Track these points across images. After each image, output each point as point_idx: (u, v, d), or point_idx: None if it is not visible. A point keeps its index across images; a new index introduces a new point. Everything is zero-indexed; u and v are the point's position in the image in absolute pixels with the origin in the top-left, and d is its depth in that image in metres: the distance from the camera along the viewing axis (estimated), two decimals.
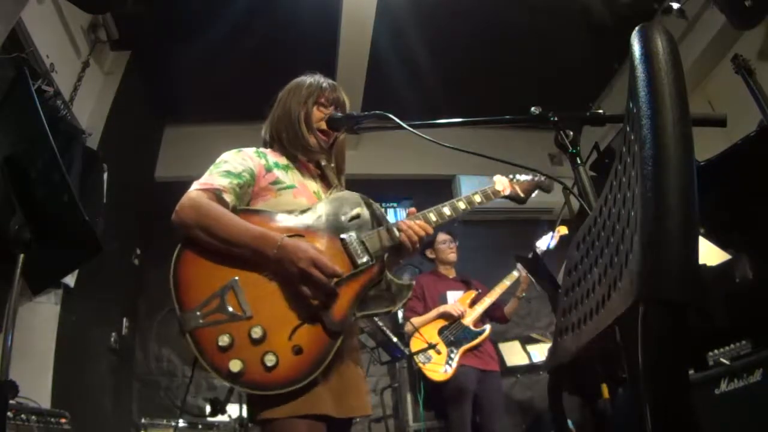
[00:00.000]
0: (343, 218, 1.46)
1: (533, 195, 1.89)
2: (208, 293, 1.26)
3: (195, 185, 1.39)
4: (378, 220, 1.51)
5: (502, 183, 1.82)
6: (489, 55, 4.38)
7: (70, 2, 3.02)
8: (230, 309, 1.26)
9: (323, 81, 1.63)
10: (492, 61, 4.43)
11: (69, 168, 2.61)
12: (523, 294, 3.67)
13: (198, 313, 1.24)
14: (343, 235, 1.43)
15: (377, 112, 1.40)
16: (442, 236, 3.88)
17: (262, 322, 1.26)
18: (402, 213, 4.10)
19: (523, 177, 1.88)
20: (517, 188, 1.85)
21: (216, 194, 1.36)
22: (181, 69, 4.23)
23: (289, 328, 1.27)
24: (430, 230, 1.51)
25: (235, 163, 1.46)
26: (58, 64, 3.09)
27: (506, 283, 3.65)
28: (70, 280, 3.07)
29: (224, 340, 1.21)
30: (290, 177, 1.52)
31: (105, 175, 3.38)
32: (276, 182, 1.48)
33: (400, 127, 1.32)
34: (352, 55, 4.11)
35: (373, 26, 3.86)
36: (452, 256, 3.86)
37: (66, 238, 1.94)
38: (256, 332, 1.23)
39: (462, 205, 1.62)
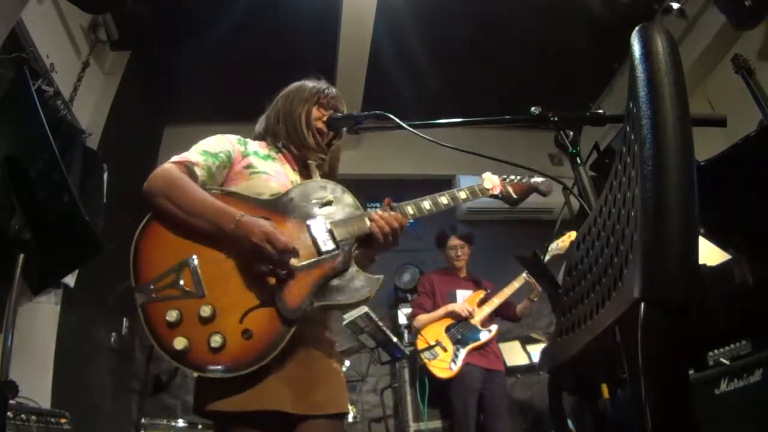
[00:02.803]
0: (313, 203, 1.43)
1: (528, 198, 1.77)
2: (164, 268, 1.24)
3: (170, 159, 1.39)
4: (350, 209, 1.46)
5: (491, 181, 1.72)
6: (489, 55, 4.38)
7: (70, 2, 3.02)
8: (183, 285, 1.23)
9: (326, 87, 1.64)
10: (492, 61, 4.43)
11: (69, 168, 2.61)
12: (536, 298, 3.65)
13: (151, 287, 1.22)
14: (309, 221, 1.39)
15: (377, 112, 1.40)
16: (453, 241, 3.82)
17: (214, 301, 1.22)
18: None
19: (518, 177, 1.77)
20: (510, 189, 1.75)
21: (188, 167, 1.37)
22: (181, 69, 4.23)
23: (241, 311, 1.23)
24: (405, 222, 1.45)
25: (214, 144, 1.47)
26: (58, 64, 3.09)
27: (515, 285, 3.64)
28: (70, 280, 3.06)
29: (172, 315, 1.19)
30: (267, 165, 1.50)
31: (105, 175, 3.37)
32: (249, 167, 1.47)
33: (400, 127, 1.32)
34: (352, 55, 4.10)
35: (373, 26, 3.86)
36: (458, 264, 3.84)
37: (66, 238, 1.94)
38: (205, 311, 1.20)
39: (444, 200, 1.56)
